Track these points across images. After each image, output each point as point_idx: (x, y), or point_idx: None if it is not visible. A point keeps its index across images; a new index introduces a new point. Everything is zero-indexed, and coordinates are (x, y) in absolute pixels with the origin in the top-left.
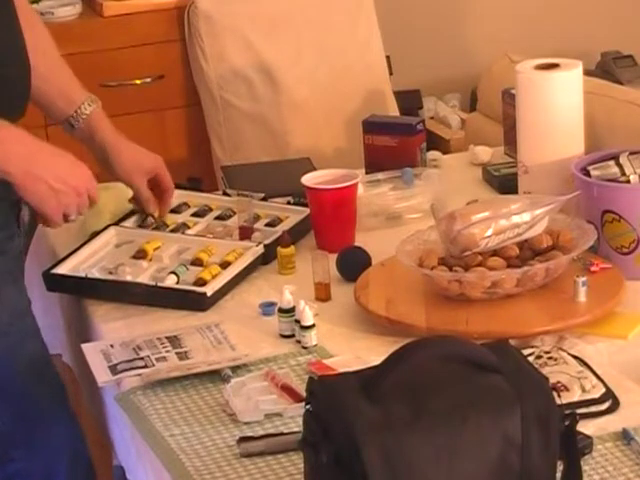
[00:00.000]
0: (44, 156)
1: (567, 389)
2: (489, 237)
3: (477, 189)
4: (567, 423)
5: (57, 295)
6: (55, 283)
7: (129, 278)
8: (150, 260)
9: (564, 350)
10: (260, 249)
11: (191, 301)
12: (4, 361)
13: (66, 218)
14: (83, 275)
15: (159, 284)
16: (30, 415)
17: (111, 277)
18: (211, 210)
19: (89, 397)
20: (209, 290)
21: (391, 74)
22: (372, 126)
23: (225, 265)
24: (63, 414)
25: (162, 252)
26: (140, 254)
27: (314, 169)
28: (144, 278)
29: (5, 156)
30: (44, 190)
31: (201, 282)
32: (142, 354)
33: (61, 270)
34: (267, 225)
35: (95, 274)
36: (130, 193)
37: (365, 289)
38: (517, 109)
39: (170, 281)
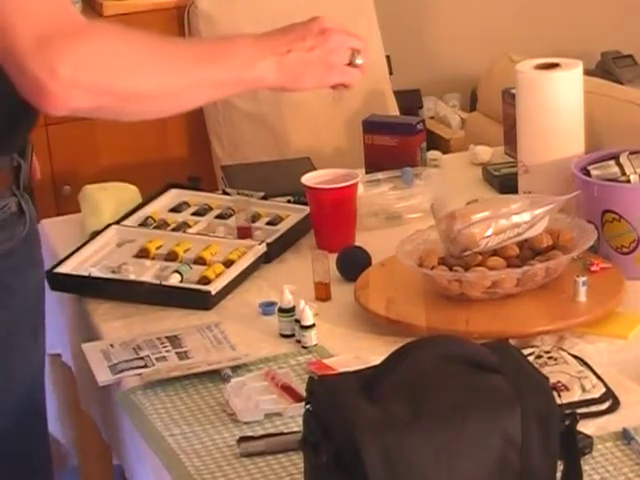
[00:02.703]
0: (284, 45)
1: (567, 389)
2: (489, 237)
3: (477, 189)
4: (567, 423)
5: (57, 294)
6: (58, 282)
7: (133, 277)
8: (153, 259)
9: (564, 350)
10: (263, 248)
11: (196, 299)
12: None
13: (354, 65)
14: (87, 274)
15: (163, 283)
16: None
17: (115, 276)
18: (211, 209)
19: (89, 397)
20: (213, 288)
21: (391, 74)
22: (372, 126)
23: (228, 264)
24: None
25: (164, 251)
26: (142, 253)
27: (314, 169)
28: (148, 277)
29: (254, 66)
30: (316, 74)
31: (205, 280)
32: (142, 354)
33: (64, 269)
34: (268, 224)
35: (98, 273)
36: (129, 192)
37: (365, 289)
38: (517, 109)
39: (174, 280)
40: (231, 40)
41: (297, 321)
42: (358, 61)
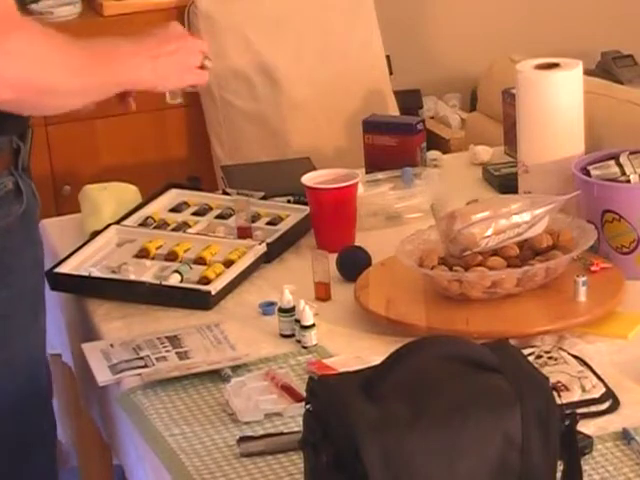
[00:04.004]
0: (154, 50)
1: (567, 389)
2: (489, 237)
3: (477, 189)
4: (567, 423)
5: (57, 294)
6: (58, 282)
7: (133, 277)
8: (153, 259)
9: (564, 350)
10: (263, 248)
11: (196, 299)
12: None
13: (204, 68)
14: (87, 274)
15: (163, 283)
16: None
17: (115, 276)
18: (211, 209)
19: (89, 397)
20: (213, 288)
21: (391, 74)
22: (372, 126)
23: (228, 264)
24: None
25: (164, 251)
26: (142, 253)
27: (314, 169)
28: (148, 277)
29: (137, 74)
30: (175, 74)
31: (205, 280)
32: (142, 354)
33: (64, 269)
34: (268, 224)
35: (98, 273)
36: (129, 192)
37: (365, 289)
38: (517, 109)
39: (174, 280)
40: (117, 45)
41: (297, 321)
42: (208, 63)
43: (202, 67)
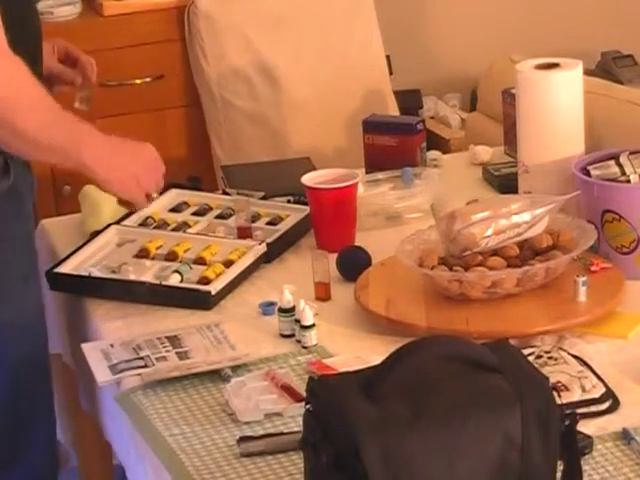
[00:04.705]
0: (120, 151)
1: (567, 389)
2: (489, 237)
3: (477, 189)
4: (567, 423)
5: (57, 294)
6: (58, 282)
7: (133, 277)
8: (153, 259)
9: (564, 350)
10: (263, 248)
11: (196, 300)
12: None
13: (149, 197)
14: (87, 274)
15: (163, 283)
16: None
17: (115, 276)
18: (211, 209)
19: (89, 397)
20: (213, 288)
21: (391, 74)
22: (372, 126)
23: (228, 264)
24: None
25: (164, 251)
26: (142, 253)
27: (314, 169)
28: (148, 277)
29: (93, 159)
30: (127, 180)
31: (205, 281)
32: (142, 354)
33: (64, 269)
34: (268, 224)
35: (98, 273)
36: None
37: (365, 289)
38: (517, 109)
39: (174, 280)
40: (91, 130)
41: (297, 321)
42: (155, 196)
43: (147, 195)
